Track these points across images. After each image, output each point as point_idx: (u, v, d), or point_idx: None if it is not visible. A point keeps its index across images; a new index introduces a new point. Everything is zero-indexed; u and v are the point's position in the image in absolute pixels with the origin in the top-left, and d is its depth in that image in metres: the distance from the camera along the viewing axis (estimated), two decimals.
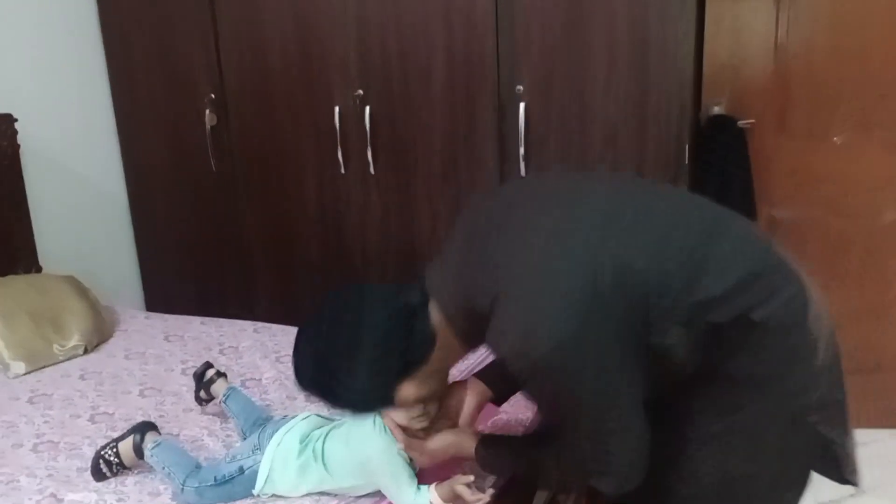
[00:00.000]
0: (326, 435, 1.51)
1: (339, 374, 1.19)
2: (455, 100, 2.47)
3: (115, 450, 1.58)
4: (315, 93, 2.65)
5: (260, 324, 2.43)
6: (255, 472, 1.49)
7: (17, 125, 2.59)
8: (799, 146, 2.36)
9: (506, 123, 2.40)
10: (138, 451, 1.57)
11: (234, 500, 1.49)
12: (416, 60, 2.48)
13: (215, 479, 1.49)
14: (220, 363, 2.12)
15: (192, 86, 2.84)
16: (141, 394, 1.98)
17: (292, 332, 2.29)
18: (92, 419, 1.85)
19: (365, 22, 2.51)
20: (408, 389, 1.23)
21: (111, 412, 1.88)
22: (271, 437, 1.53)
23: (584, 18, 2.27)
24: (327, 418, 1.59)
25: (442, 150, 2.53)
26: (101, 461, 1.57)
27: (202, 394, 1.84)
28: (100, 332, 2.32)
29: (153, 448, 1.55)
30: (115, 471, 1.58)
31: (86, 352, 2.24)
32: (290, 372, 1.82)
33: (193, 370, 1.89)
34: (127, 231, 3.14)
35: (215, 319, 2.50)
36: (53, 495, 1.52)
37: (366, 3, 2.49)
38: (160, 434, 1.64)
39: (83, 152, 2.94)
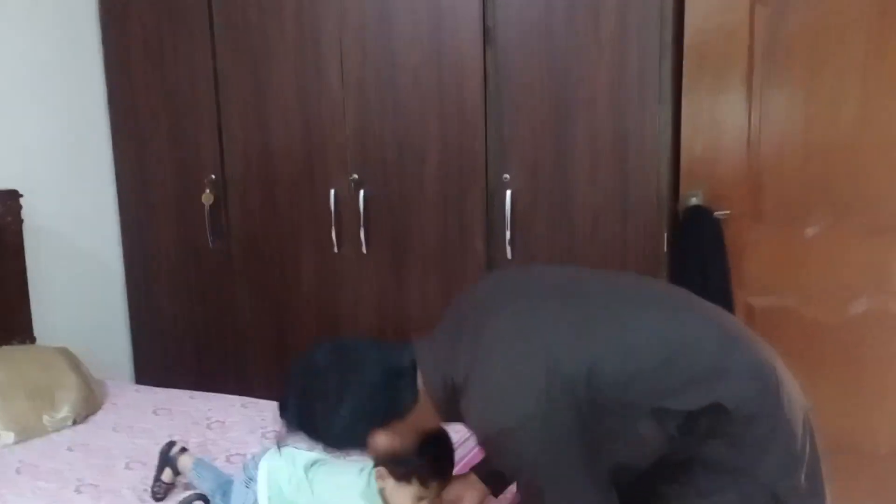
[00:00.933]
0: (312, 465, 1.62)
1: (323, 411, 1.31)
2: (446, 186, 2.58)
3: None
4: (312, 176, 2.77)
5: (248, 399, 2.46)
6: None
7: (21, 201, 2.68)
8: (773, 237, 2.45)
9: (493, 209, 2.51)
10: None
11: None
12: (411, 147, 2.61)
13: None
14: (208, 437, 2.16)
15: (194, 166, 2.96)
16: (127, 466, 2.00)
17: None
18: (78, 490, 1.86)
19: (364, 111, 2.65)
20: (381, 438, 1.34)
21: (97, 484, 1.90)
22: (257, 464, 1.62)
23: (568, 113, 2.40)
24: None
25: (433, 233, 2.63)
26: None
27: (165, 475, 1.87)
28: (89, 405, 2.35)
29: None
30: None
31: (74, 423, 2.26)
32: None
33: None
34: (122, 305, 3.20)
35: (204, 393, 2.54)
36: None
37: (366, 93, 2.64)
38: None
39: (84, 227, 3.03)
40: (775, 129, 2.42)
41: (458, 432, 2.00)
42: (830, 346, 2.44)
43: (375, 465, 1.52)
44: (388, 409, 1.33)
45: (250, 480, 1.64)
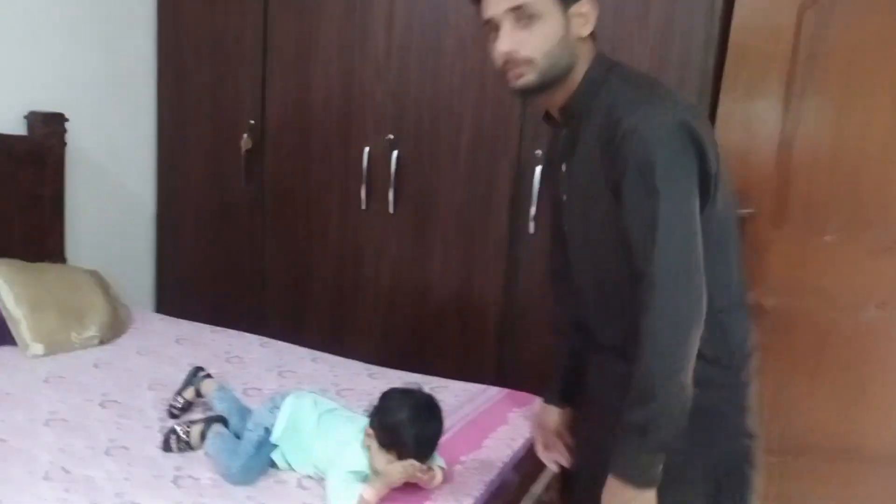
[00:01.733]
0: (327, 412, 1.75)
1: None
2: (477, 156, 2.64)
3: (187, 432, 1.78)
4: (349, 132, 2.83)
5: (266, 339, 2.55)
6: None
7: (66, 125, 2.76)
8: (794, 239, 2.48)
9: (521, 184, 2.56)
10: (203, 436, 1.77)
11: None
12: (447, 114, 2.66)
13: (252, 451, 1.68)
14: (226, 370, 2.25)
15: (235, 110, 3.03)
16: (150, 387, 2.09)
17: (298, 350, 2.46)
18: (102, 405, 1.96)
19: (405, 74, 2.70)
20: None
21: (120, 401, 2.00)
22: (285, 397, 1.74)
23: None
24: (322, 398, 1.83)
25: (460, 202, 2.69)
26: (172, 435, 1.78)
27: (186, 393, 1.99)
28: (116, 328, 2.45)
29: (212, 436, 1.76)
30: (180, 447, 1.77)
31: (101, 343, 2.36)
32: (292, 383, 1.97)
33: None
34: (150, 237, 3.29)
35: (225, 330, 2.63)
36: (63, 468, 1.64)
37: (409, 57, 2.68)
38: (225, 427, 1.82)
39: (123, 159, 3.12)
40: (808, 135, 2.45)
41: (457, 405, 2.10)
42: (839, 350, 2.50)
43: (370, 424, 1.62)
44: None
45: (275, 408, 1.73)
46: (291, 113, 2.94)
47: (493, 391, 2.19)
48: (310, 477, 1.67)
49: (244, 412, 1.87)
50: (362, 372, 2.29)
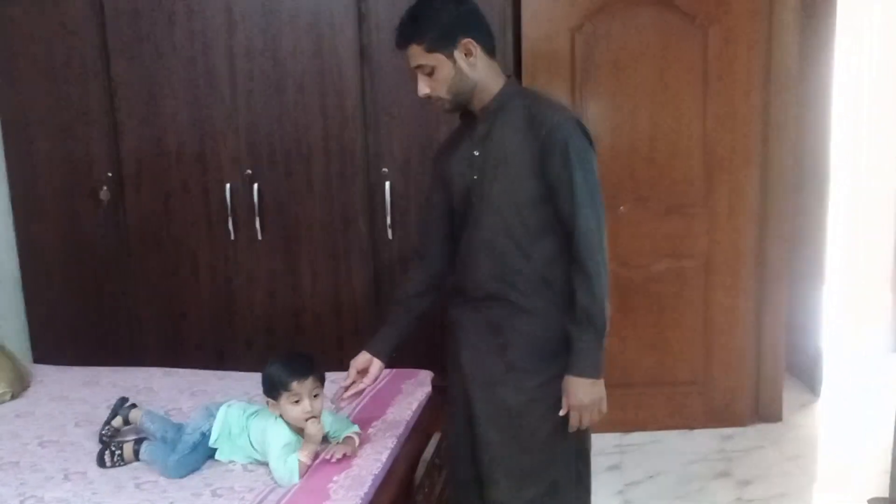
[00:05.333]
0: (252, 414, 2.08)
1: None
2: (331, 180, 3.05)
3: (120, 449, 2.04)
4: (208, 171, 3.12)
5: (168, 369, 2.79)
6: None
7: None
8: None
9: (375, 198, 3.00)
10: (135, 452, 2.04)
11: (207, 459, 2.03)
12: (298, 147, 3.05)
13: (188, 450, 1.99)
14: (141, 400, 2.48)
15: (89, 166, 3.19)
16: (77, 425, 2.30)
17: (201, 374, 2.71)
18: (42, 445, 2.17)
19: (255, 115, 3.05)
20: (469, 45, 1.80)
21: (55, 439, 2.20)
22: (219, 406, 2.07)
23: (430, 117, 2.93)
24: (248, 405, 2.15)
25: (321, 221, 3.08)
26: (106, 451, 2.04)
27: (114, 422, 2.20)
28: (22, 382, 2.60)
29: (146, 447, 2.04)
30: (115, 462, 2.03)
31: (12, 398, 2.51)
32: (205, 400, 2.27)
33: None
34: (18, 298, 3.36)
35: (123, 368, 2.84)
36: (33, 496, 1.88)
37: (255, 100, 3.04)
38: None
39: None
40: (592, 128, 3.09)
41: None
42: (639, 299, 3.18)
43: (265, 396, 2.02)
44: (479, 31, 1.81)
45: (210, 415, 2.04)
46: (148, 162, 3.15)
47: (385, 372, 2.59)
48: (250, 462, 2.01)
49: (178, 426, 2.15)
50: None
